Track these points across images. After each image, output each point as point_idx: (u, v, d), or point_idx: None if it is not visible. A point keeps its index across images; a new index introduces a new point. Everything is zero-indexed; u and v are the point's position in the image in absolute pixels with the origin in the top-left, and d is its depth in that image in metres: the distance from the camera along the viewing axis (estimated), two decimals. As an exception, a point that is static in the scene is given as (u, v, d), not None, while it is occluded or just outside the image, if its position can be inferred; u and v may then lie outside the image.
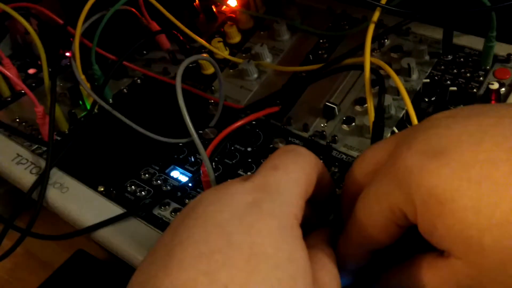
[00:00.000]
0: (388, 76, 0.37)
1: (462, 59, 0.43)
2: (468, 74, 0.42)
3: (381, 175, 0.24)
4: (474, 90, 0.41)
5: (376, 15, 0.38)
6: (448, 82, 0.42)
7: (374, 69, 0.37)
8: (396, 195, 0.23)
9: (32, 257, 0.47)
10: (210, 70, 0.49)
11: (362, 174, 0.27)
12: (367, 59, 0.36)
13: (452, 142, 0.22)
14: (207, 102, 0.46)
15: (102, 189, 0.40)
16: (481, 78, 0.42)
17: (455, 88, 0.40)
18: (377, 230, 0.24)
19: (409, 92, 0.42)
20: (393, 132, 0.39)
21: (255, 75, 0.47)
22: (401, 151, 0.24)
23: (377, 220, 0.24)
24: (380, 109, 0.34)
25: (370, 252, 0.26)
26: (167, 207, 0.38)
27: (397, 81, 0.34)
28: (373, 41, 0.46)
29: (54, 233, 0.40)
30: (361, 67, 0.37)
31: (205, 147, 0.38)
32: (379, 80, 0.36)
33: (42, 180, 0.41)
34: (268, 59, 0.48)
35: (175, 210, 0.38)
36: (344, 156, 0.39)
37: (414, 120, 0.33)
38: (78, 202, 0.40)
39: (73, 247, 0.44)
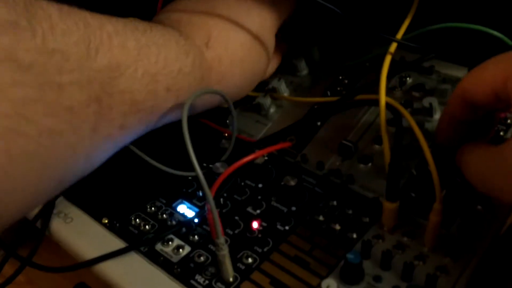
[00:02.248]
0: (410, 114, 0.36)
1: (488, 100, 0.41)
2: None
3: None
4: (501, 133, 0.38)
5: (393, 47, 0.37)
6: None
7: (392, 106, 0.35)
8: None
9: (34, 287, 0.46)
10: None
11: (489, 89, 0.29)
12: (382, 95, 0.34)
13: None
14: (221, 135, 0.45)
15: (106, 221, 0.39)
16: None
17: (479, 130, 0.38)
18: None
19: (430, 132, 0.39)
20: (411, 173, 0.37)
21: (271, 110, 0.46)
22: None
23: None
24: (396, 150, 0.32)
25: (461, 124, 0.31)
26: (170, 243, 0.36)
27: (412, 122, 0.33)
28: (393, 78, 0.45)
29: (57, 263, 0.39)
30: (376, 102, 0.35)
31: (214, 182, 0.36)
32: (396, 119, 0.34)
33: (47, 209, 0.40)
34: (285, 93, 0.47)
35: (178, 247, 0.36)
36: (360, 197, 0.37)
37: (431, 162, 0.31)
38: (81, 234, 0.39)
39: (75, 279, 0.43)
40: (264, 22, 0.41)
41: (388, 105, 0.35)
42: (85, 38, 0.28)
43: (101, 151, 0.32)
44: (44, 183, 0.28)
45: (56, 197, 0.41)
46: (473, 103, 0.30)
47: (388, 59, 0.36)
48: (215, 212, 0.31)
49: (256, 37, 0.40)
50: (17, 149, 0.25)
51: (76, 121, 0.27)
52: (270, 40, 0.42)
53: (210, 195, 0.31)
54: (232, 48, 0.39)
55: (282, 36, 0.46)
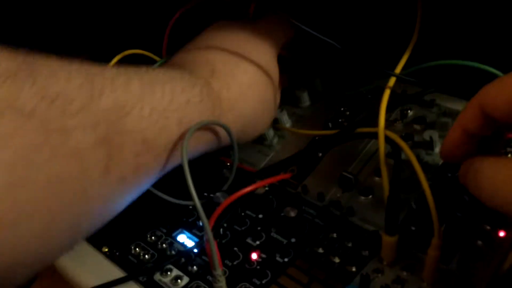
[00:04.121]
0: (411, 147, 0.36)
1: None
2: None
3: None
4: (509, 155, 0.38)
5: (391, 81, 0.37)
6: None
7: (391, 139, 0.36)
8: None
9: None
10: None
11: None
12: (381, 128, 0.35)
13: None
14: (223, 164, 0.45)
15: (106, 249, 0.39)
16: (509, 155, 0.39)
17: (479, 165, 0.38)
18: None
19: (430, 166, 0.40)
20: (410, 207, 0.37)
21: (274, 140, 0.46)
22: None
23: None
24: (395, 183, 0.33)
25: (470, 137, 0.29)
26: (168, 273, 0.36)
27: (410, 155, 0.33)
28: (394, 110, 0.45)
29: (56, 291, 0.39)
30: (375, 135, 0.35)
31: (213, 212, 0.37)
32: (395, 153, 0.34)
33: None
34: (287, 124, 0.47)
35: (177, 278, 0.36)
36: (359, 230, 0.37)
37: (429, 197, 0.31)
38: (81, 262, 0.39)
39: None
40: (263, 48, 0.41)
41: (387, 138, 0.35)
42: (88, 82, 0.28)
43: (117, 195, 0.31)
44: (54, 233, 0.27)
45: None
46: (490, 114, 0.28)
47: (387, 93, 0.36)
48: (213, 244, 0.31)
49: (258, 64, 0.40)
50: (24, 199, 0.24)
51: (86, 164, 0.27)
52: (272, 64, 0.42)
53: (207, 225, 0.31)
54: (238, 76, 0.39)
55: (285, 67, 0.47)
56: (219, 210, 0.36)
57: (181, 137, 0.33)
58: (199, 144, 0.36)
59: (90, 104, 0.28)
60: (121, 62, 0.46)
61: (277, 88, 0.43)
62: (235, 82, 0.38)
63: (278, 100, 0.45)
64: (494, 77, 0.37)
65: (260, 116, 0.41)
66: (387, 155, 0.37)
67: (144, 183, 0.33)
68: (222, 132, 0.37)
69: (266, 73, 0.41)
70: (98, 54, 0.48)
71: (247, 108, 0.39)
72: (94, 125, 0.27)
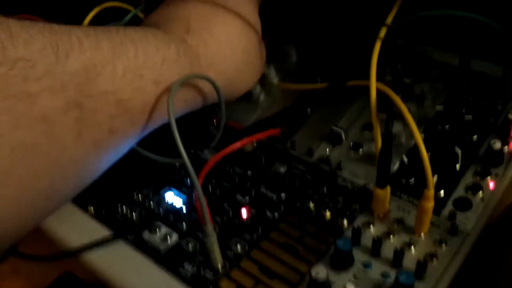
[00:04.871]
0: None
1: (479, 87, 0.41)
2: (485, 103, 0.40)
3: None
4: (492, 119, 0.38)
5: (382, 32, 0.36)
6: (464, 110, 0.39)
7: (383, 92, 0.35)
8: None
9: (19, 276, 0.45)
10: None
11: None
12: (373, 81, 0.34)
13: None
14: (210, 121, 0.44)
15: (92, 209, 0.38)
16: (499, 107, 0.39)
17: (470, 117, 0.38)
18: None
19: (421, 119, 0.39)
20: (402, 161, 0.37)
21: (261, 97, 0.45)
22: None
23: None
24: (387, 137, 0.32)
25: None
26: (157, 231, 0.36)
27: (402, 108, 0.32)
28: (384, 64, 0.44)
29: (43, 252, 0.38)
30: (366, 89, 0.34)
31: (202, 169, 0.36)
32: (387, 105, 0.33)
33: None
34: (275, 80, 0.46)
35: (166, 235, 0.35)
36: (349, 184, 0.37)
37: (422, 150, 0.30)
38: (67, 222, 0.38)
39: (62, 268, 0.42)
40: (242, 0, 0.39)
41: (379, 91, 0.35)
42: (52, 44, 0.26)
43: (93, 159, 0.29)
44: (28, 200, 0.26)
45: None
46: None
47: (378, 44, 0.35)
48: (203, 200, 0.30)
49: (238, 17, 0.38)
50: None
51: (55, 130, 0.26)
52: (253, 16, 0.40)
53: (197, 182, 0.30)
54: (215, 31, 0.37)
55: (271, 21, 0.45)
56: (207, 167, 0.35)
57: (159, 98, 0.32)
58: (181, 103, 0.35)
59: (56, 67, 0.26)
60: (98, 16, 0.44)
61: (261, 41, 0.41)
62: (213, 38, 0.36)
63: (263, 55, 0.43)
64: (486, 28, 0.36)
65: (244, 71, 0.40)
66: (378, 109, 0.36)
67: (122, 146, 0.32)
68: (207, 88, 0.36)
69: (247, 26, 0.39)
70: (75, 8, 0.46)
71: (228, 63, 0.37)
72: (62, 88, 0.26)
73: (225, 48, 0.37)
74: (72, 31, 0.28)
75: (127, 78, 0.30)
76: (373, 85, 0.35)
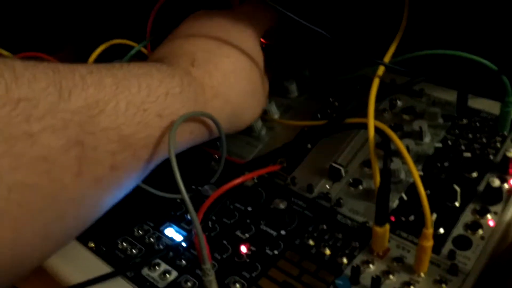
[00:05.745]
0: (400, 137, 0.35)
1: (477, 124, 0.41)
2: (484, 140, 0.40)
3: None
4: (490, 156, 0.38)
5: (380, 70, 0.37)
6: (463, 147, 0.40)
7: (381, 130, 0.35)
8: None
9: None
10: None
11: None
12: (371, 118, 0.34)
13: None
14: (211, 156, 0.45)
15: (92, 245, 0.38)
16: (498, 144, 0.39)
17: (469, 154, 0.38)
18: None
19: (420, 156, 0.39)
20: (401, 198, 0.37)
21: (262, 132, 0.46)
22: None
23: None
24: (385, 174, 0.32)
25: None
26: (156, 268, 0.36)
27: (400, 145, 0.32)
28: (383, 101, 0.45)
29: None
30: (364, 126, 0.35)
31: (202, 205, 0.36)
32: (385, 143, 0.34)
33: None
34: (276, 115, 0.47)
35: (165, 272, 0.35)
36: (349, 221, 0.37)
37: (420, 187, 0.30)
38: (67, 258, 0.38)
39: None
40: (245, 34, 0.40)
41: (376, 129, 0.35)
42: (55, 82, 0.26)
43: (94, 197, 0.29)
44: (23, 241, 0.25)
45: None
46: None
47: (376, 82, 0.36)
48: (202, 237, 0.30)
49: (241, 49, 0.39)
50: None
51: (55, 169, 0.25)
52: (256, 49, 0.41)
53: (196, 219, 0.31)
54: (220, 63, 0.37)
55: (274, 58, 0.46)
56: (207, 203, 0.35)
57: (163, 131, 0.32)
58: (185, 137, 0.35)
59: (58, 106, 0.26)
60: (105, 53, 0.45)
61: (263, 73, 0.42)
62: (217, 68, 0.37)
63: (267, 88, 0.43)
64: (483, 67, 0.37)
65: (248, 102, 0.40)
66: (377, 145, 0.37)
67: (125, 183, 0.31)
68: (210, 124, 0.36)
69: (250, 58, 0.39)
70: (82, 46, 0.47)
71: (233, 94, 0.38)
72: (63, 127, 0.26)
73: (230, 79, 0.38)
74: (76, 69, 0.28)
75: (130, 113, 0.30)
76: (371, 122, 0.35)
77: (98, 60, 0.45)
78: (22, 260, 0.27)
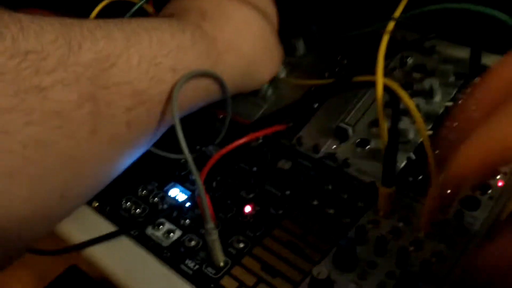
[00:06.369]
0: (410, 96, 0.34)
1: (490, 82, 0.40)
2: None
3: None
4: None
5: (390, 26, 0.35)
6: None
7: (389, 88, 0.34)
8: None
9: (26, 269, 0.46)
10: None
11: (493, 90, 0.24)
12: (379, 76, 0.33)
13: None
14: (215, 116, 0.44)
15: (96, 204, 0.38)
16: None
17: (481, 113, 0.37)
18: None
19: (430, 115, 0.38)
20: (409, 158, 0.36)
21: (268, 91, 0.45)
22: None
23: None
24: (393, 133, 0.31)
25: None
26: (161, 227, 0.36)
27: (409, 104, 0.31)
28: (394, 58, 0.43)
29: (49, 245, 0.38)
30: (373, 84, 0.34)
31: (204, 165, 0.36)
32: (393, 101, 0.33)
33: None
34: (282, 74, 0.46)
35: (169, 231, 0.35)
36: (355, 182, 0.36)
37: (427, 145, 0.29)
38: (72, 217, 0.37)
39: (67, 262, 0.43)
40: None
41: (385, 87, 0.34)
42: (64, 35, 0.25)
43: (111, 155, 0.28)
44: (41, 199, 0.25)
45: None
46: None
47: (385, 39, 0.35)
48: (204, 197, 0.30)
49: (254, 3, 0.37)
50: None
51: (69, 124, 0.25)
52: (269, 5, 0.39)
53: (199, 179, 0.30)
54: (231, 17, 0.36)
55: (281, 14, 0.45)
56: (210, 163, 0.35)
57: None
58: (192, 98, 0.34)
59: (68, 59, 0.25)
60: (105, 11, 0.44)
61: (276, 29, 0.40)
62: (229, 22, 0.36)
63: (281, 46, 0.42)
64: (497, 21, 0.35)
65: (263, 59, 0.39)
66: (385, 104, 0.36)
67: (141, 141, 0.31)
68: (219, 83, 0.35)
69: (263, 11, 0.38)
70: (81, 2, 0.46)
71: (246, 48, 0.36)
72: (75, 81, 0.25)
73: (242, 32, 0.36)
74: (83, 23, 0.27)
75: (142, 68, 0.29)
76: (380, 80, 0.34)
77: (99, 17, 0.44)
78: (41, 219, 0.27)
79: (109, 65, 0.27)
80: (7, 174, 0.23)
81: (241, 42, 0.36)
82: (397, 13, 0.35)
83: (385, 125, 0.33)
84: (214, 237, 0.31)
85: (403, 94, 0.33)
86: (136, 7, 0.44)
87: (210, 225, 0.31)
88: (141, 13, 0.45)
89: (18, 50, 0.23)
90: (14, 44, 0.23)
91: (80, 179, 0.27)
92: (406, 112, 0.36)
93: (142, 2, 0.44)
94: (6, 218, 0.24)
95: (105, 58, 0.27)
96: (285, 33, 0.47)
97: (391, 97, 0.34)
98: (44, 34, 0.25)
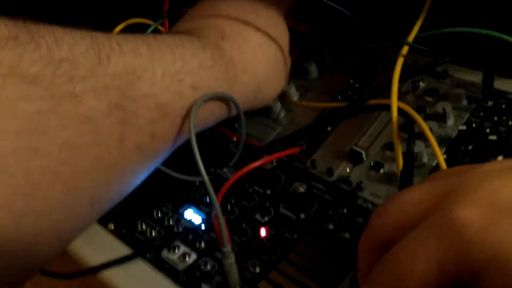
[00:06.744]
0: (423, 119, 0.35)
1: (503, 106, 0.40)
2: (510, 122, 0.39)
3: (427, 226, 0.21)
4: (517, 140, 0.37)
5: (405, 50, 0.36)
6: (488, 130, 0.38)
7: (404, 111, 0.34)
8: (449, 253, 0.20)
9: (39, 291, 0.46)
10: (233, 106, 0.47)
11: (399, 218, 0.23)
12: (394, 100, 0.34)
13: None
14: (229, 139, 0.44)
15: (112, 227, 0.39)
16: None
17: (495, 137, 0.37)
18: None
19: (443, 139, 0.38)
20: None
21: (281, 114, 0.45)
22: (456, 201, 0.21)
23: (417, 281, 0.21)
24: (408, 156, 0.32)
25: None
26: (176, 250, 0.36)
27: (424, 127, 0.32)
28: (405, 82, 0.44)
29: (63, 269, 0.38)
30: (387, 107, 0.34)
31: (221, 188, 0.36)
32: (408, 125, 0.33)
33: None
34: (295, 97, 0.46)
35: (185, 255, 0.35)
36: (370, 205, 0.36)
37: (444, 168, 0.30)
38: (87, 239, 0.38)
39: (81, 285, 0.43)
40: (271, 10, 0.40)
41: (400, 110, 0.34)
42: (94, 47, 0.27)
43: (135, 165, 0.30)
44: (73, 203, 0.26)
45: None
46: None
47: (400, 62, 0.35)
48: (222, 220, 0.30)
49: (268, 25, 0.39)
50: (38, 168, 0.23)
51: (100, 131, 0.26)
52: (282, 25, 0.41)
53: (216, 201, 0.30)
54: (248, 37, 0.37)
55: (293, 39, 0.45)
56: (227, 186, 0.35)
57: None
58: (209, 115, 0.35)
59: (98, 69, 0.27)
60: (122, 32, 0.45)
61: (288, 50, 0.42)
62: (246, 42, 0.37)
63: (289, 65, 0.43)
64: (510, 46, 0.35)
65: (272, 78, 0.40)
66: (399, 128, 0.36)
67: (161, 153, 0.32)
68: (230, 103, 0.36)
69: (276, 34, 0.39)
70: (99, 25, 0.47)
71: (259, 69, 0.38)
72: (104, 90, 0.26)
73: (257, 54, 0.38)
74: (112, 36, 0.29)
75: (166, 82, 0.30)
76: (395, 103, 0.34)
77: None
78: (72, 223, 0.27)
79: (136, 77, 0.28)
80: (46, 174, 0.24)
81: (256, 64, 0.38)
82: (410, 38, 0.36)
83: (399, 148, 0.34)
84: (231, 260, 0.31)
85: (418, 118, 0.33)
86: (151, 28, 0.45)
87: (227, 248, 0.31)
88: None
89: (53, 58, 0.25)
90: (49, 53, 0.25)
91: (108, 186, 0.29)
92: (419, 136, 0.36)
93: (158, 23, 0.45)
94: (43, 219, 0.25)
95: (132, 70, 0.28)
96: (298, 57, 0.48)
97: (406, 120, 0.34)
98: (76, 45, 0.26)
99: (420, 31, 0.38)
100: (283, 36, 0.41)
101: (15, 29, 0.24)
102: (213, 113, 0.35)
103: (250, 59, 0.37)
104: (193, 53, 0.33)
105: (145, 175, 0.32)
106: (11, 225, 0.23)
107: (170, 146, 0.32)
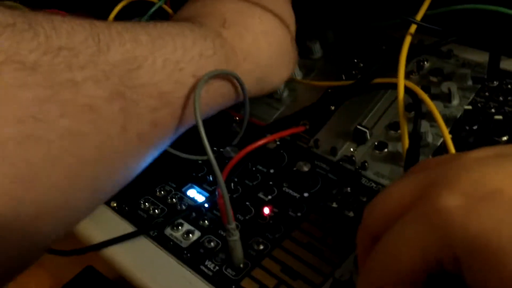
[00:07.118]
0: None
1: (509, 86, 0.40)
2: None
3: (411, 216, 0.21)
4: (522, 120, 0.37)
5: (412, 28, 0.35)
6: (493, 110, 0.38)
7: (411, 90, 0.34)
8: (431, 240, 0.20)
9: (42, 269, 0.46)
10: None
11: (386, 212, 0.24)
12: (401, 78, 0.33)
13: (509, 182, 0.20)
14: (232, 118, 0.44)
15: (115, 204, 0.38)
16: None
17: (500, 117, 0.37)
18: (401, 278, 0.21)
19: (448, 119, 0.38)
20: (429, 161, 0.36)
21: (284, 93, 0.45)
22: (438, 191, 0.21)
23: (404, 267, 0.21)
24: (415, 136, 0.31)
25: None
26: (179, 228, 0.36)
27: (431, 106, 0.31)
28: (410, 62, 0.43)
29: (66, 246, 0.38)
30: (394, 86, 0.34)
31: (225, 166, 0.36)
32: (415, 104, 0.33)
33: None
34: (298, 77, 0.46)
35: (188, 232, 0.35)
36: (374, 185, 0.36)
37: (452, 149, 0.29)
38: (90, 217, 0.37)
39: (84, 262, 0.43)
40: None
41: (406, 89, 0.34)
42: (93, 35, 0.27)
43: (136, 153, 0.30)
44: (74, 190, 0.26)
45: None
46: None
47: (408, 40, 0.35)
48: (227, 197, 0.30)
49: (272, 11, 0.38)
50: (38, 156, 0.23)
51: (101, 119, 0.26)
52: (288, 10, 0.40)
53: (221, 180, 0.30)
54: (250, 25, 0.37)
55: (297, 17, 0.45)
56: (231, 164, 0.35)
57: None
58: (214, 99, 0.35)
59: (98, 58, 0.26)
60: (124, 11, 0.44)
61: (294, 36, 0.41)
62: (248, 31, 0.36)
63: (296, 52, 0.42)
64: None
65: (278, 65, 0.39)
66: (404, 107, 0.36)
67: (162, 142, 0.32)
68: (236, 85, 0.36)
69: (281, 20, 0.38)
70: (98, 5, 0.46)
71: (262, 56, 0.37)
72: (105, 78, 0.26)
73: (260, 41, 0.37)
74: (111, 25, 0.29)
75: (167, 71, 0.30)
76: (401, 82, 0.34)
77: (118, 18, 0.44)
78: (73, 211, 0.27)
79: (136, 66, 0.28)
80: (47, 162, 0.24)
81: (258, 51, 0.37)
82: (418, 16, 0.35)
83: (405, 128, 0.33)
84: (235, 237, 0.31)
85: (425, 97, 0.33)
86: (155, 7, 0.44)
87: (232, 225, 0.31)
88: (160, 13, 0.45)
89: (51, 46, 0.24)
90: (47, 41, 0.24)
91: (110, 174, 0.29)
92: (424, 115, 0.36)
93: (161, 2, 0.44)
94: (42, 205, 0.24)
95: (132, 59, 0.28)
96: (302, 36, 0.47)
97: (413, 99, 0.34)
98: (75, 34, 0.26)
99: (428, 10, 0.37)
100: (290, 23, 0.40)
101: (13, 17, 0.24)
102: (217, 98, 0.35)
103: (252, 46, 0.37)
104: (193, 42, 0.32)
105: (146, 163, 0.32)
106: (11, 211, 0.23)
107: (171, 134, 0.32)
